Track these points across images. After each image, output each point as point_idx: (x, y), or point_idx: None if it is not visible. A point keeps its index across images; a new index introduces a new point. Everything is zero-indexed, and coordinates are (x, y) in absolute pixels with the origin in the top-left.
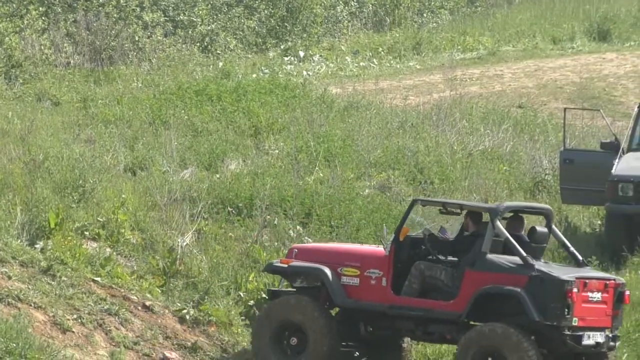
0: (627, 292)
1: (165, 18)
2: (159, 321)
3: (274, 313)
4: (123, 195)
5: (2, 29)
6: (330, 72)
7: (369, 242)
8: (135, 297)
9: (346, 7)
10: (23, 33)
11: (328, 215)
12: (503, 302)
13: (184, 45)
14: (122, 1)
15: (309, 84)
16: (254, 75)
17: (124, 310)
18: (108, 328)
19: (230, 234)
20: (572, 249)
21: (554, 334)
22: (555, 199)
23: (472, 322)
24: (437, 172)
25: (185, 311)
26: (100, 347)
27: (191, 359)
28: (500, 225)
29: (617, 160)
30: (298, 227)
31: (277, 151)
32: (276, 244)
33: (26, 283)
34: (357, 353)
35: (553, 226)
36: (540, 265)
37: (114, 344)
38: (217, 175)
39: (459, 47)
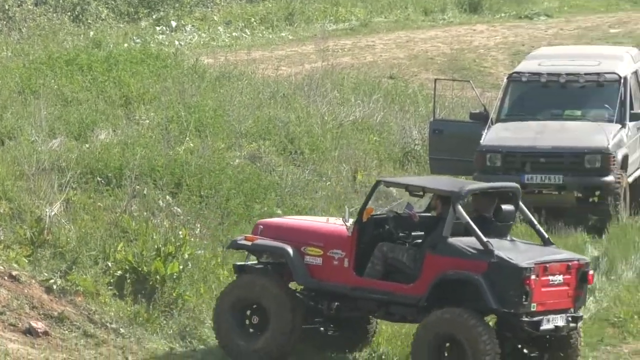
0: (591, 272)
1: None
2: (26, 291)
3: (235, 291)
4: None
5: None
6: (202, 43)
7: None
8: (1, 267)
9: None
10: None
11: (198, 185)
12: (463, 287)
13: (54, 15)
14: None
15: (181, 54)
16: (126, 45)
17: None
18: None
19: (99, 203)
20: (538, 226)
21: (512, 320)
22: (424, 169)
23: (432, 305)
24: (308, 143)
25: (52, 281)
26: None
27: (57, 328)
28: (461, 209)
29: (485, 130)
30: (168, 197)
31: (147, 121)
32: (145, 213)
33: None
34: (322, 328)
35: (520, 204)
36: (502, 247)
37: None
38: (87, 145)
39: (332, 18)
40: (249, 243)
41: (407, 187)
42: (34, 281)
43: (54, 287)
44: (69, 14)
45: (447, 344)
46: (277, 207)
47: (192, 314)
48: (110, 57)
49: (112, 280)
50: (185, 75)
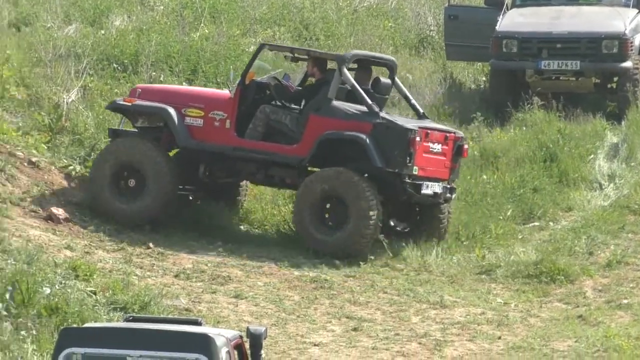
0: (466, 146)
1: None
2: (45, 177)
3: (112, 153)
4: (7, 51)
5: None
6: None
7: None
8: (20, 154)
9: None
10: None
11: (214, 71)
12: (346, 148)
13: None
14: None
15: None
16: None
17: (9, 166)
18: None
19: (116, 90)
20: (413, 101)
21: (395, 181)
22: (440, 56)
23: (312, 169)
24: (323, 29)
25: (71, 167)
26: None
27: (77, 215)
28: (347, 72)
29: (501, 16)
30: (184, 83)
31: (162, 7)
32: None
33: None
34: (191, 197)
35: (396, 78)
36: (384, 114)
37: (0, 200)
38: (102, 32)
39: None
40: (129, 104)
41: (292, 51)
42: (53, 168)
43: (73, 173)
44: None
45: (328, 205)
46: None
47: None
48: None
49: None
50: None
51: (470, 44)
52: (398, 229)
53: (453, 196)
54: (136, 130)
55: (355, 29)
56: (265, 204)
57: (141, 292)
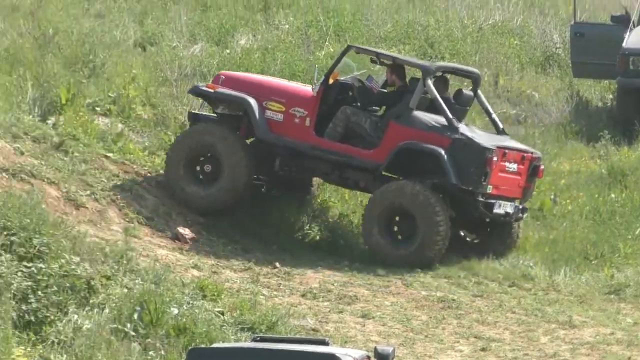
0: (542, 167)
1: None
2: (172, 197)
3: (191, 137)
4: (133, 71)
5: None
6: None
7: None
8: (147, 173)
9: None
10: None
11: None
12: (422, 159)
13: None
14: None
15: None
16: None
17: (136, 186)
18: (121, 204)
19: None
20: (494, 115)
21: (468, 199)
22: (566, 73)
23: (388, 175)
24: (448, 47)
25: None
26: (114, 223)
27: (205, 234)
28: (430, 83)
29: (627, 33)
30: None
31: (287, 26)
32: None
33: (39, 159)
34: (264, 189)
35: (479, 91)
36: (464, 129)
37: (127, 219)
38: (227, 51)
39: None
40: (211, 90)
41: (378, 55)
42: None
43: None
44: None
45: (397, 217)
46: None
47: None
48: None
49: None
50: None
51: (597, 62)
52: (468, 239)
53: (524, 216)
54: (215, 116)
55: (480, 46)
56: None
57: (268, 312)
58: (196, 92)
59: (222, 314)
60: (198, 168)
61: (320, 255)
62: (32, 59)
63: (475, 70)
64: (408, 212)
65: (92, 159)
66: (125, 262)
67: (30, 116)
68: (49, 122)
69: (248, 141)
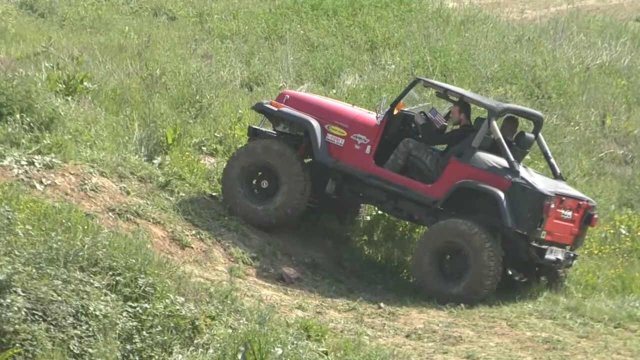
0: (596, 216)
1: None
2: (277, 237)
3: (251, 152)
4: (240, 111)
5: None
6: None
7: None
8: None
9: None
10: None
11: None
12: (479, 198)
13: None
14: None
15: None
16: None
17: (242, 226)
18: (226, 244)
19: None
20: (552, 160)
21: (521, 242)
22: None
23: (442, 210)
24: (555, 87)
25: (302, 229)
26: (219, 263)
27: (309, 274)
28: (495, 124)
29: None
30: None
31: (393, 66)
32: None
33: (145, 198)
34: (315, 209)
35: (540, 134)
36: (523, 172)
37: (232, 259)
38: (334, 91)
39: None
40: (275, 108)
41: (446, 91)
42: (284, 228)
43: (301, 230)
44: None
45: (448, 256)
46: None
47: None
48: (355, 2)
49: (362, 227)
50: (430, 19)
51: None
52: (516, 278)
53: (573, 263)
54: (274, 133)
55: (587, 86)
56: None
57: (372, 352)
58: (260, 108)
59: (326, 354)
60: (255, 182)
61: (424, 295)
62: (139, 99)
63: (539, 113)
64: (460, 250)
65: (198, 198)
66: (229, 302)
67: (137, 156)
68: (155, 161)
69: (306, 161)
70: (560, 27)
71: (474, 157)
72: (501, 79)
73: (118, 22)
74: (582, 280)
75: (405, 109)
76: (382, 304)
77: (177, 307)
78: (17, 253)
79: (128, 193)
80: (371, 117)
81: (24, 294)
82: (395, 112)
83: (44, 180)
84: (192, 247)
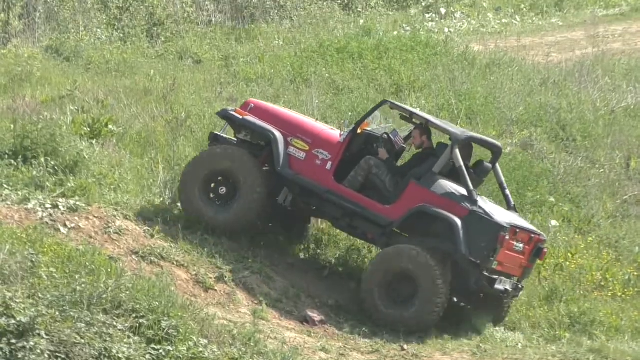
0: (545, 250)
1: None
2: (301, 279)
3: (211, 158)
4: None
5: None
6: (471, 29)
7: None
8: (277, 255)
9: None
10: None
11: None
12: (436, 224)
13: (325, 3)
14: None
15: (451, 41)
16: (395, 33)
17: (266, 268)
18: (250, 286)
19: None
20: (507, 191)
21: (473, 270)
22: None
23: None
24: (580, 130)
25: (326, 271)
26: (242, 306)
27: (333, 317)
28: (458, 152)
29: None
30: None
31: (418, 109)
32: None
33: (169, 241)
34: (270, 224)
35: (497, 165)
36: (481, 202)
37: (256, 302)
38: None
39: (602, 3)
40: (239, 116)
41: (411, 114)
42: (309, 269)
43: (325, 273)
44: (339, 2)
45: (397, 280)
46: (549, 194)
47: None
48: (381, 45)
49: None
50: (455, 63)
51: None
52: (461, 304)
53: (519, 294)
54: (235, 140)
55: (612, 129)
56: (521, 305)
57: None
58: (223, 115)
59: None
60: (212, 188)
61: (447, 337)
62: (164, 142)
63: (499, 143)
64: (408, 276)
65: (222, 241)
66: (253, 344)
67: (161, 199)
68: (179, 204)
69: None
70: (585, 70)
71: (433, 182)
72: (526, 121)
73: (143, 65)
74: (606, 322)
75: (368, 129)
76: (405, 346)
77: (200, 350)
78: (40, 296)
79: (152, 236)
80: (335, 133)
81: (47, 337)
82: (359, 131)
83: (68, 223)
84: (215, 290)
